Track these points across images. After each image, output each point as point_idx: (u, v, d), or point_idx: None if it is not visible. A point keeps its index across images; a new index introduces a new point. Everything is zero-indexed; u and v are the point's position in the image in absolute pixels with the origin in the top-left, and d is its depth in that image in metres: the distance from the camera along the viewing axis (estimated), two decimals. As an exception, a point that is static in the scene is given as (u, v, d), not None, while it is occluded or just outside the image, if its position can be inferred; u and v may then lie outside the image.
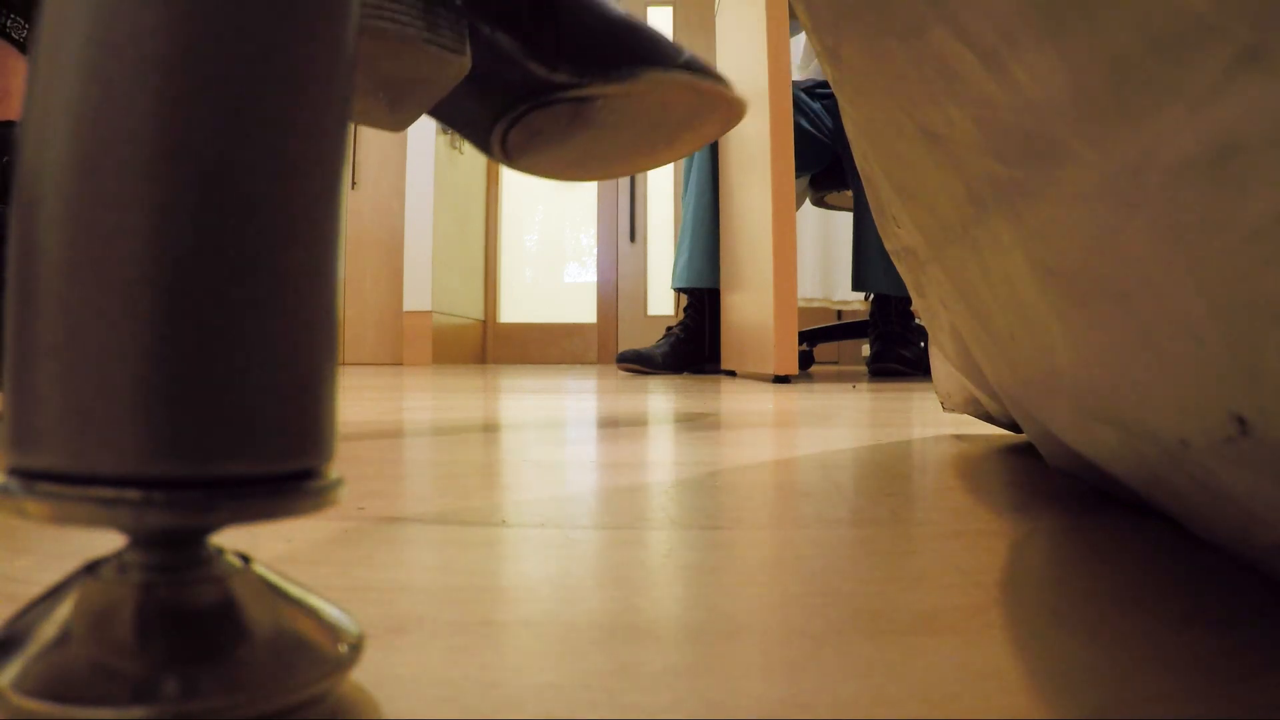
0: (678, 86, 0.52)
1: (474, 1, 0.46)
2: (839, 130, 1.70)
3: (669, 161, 0.63)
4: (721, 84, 0.54)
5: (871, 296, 1.77)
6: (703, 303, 1.84)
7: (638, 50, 0.51)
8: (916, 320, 1.76)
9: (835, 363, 2.94)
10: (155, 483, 0.10)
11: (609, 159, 0.59)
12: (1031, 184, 0.17)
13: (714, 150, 1.80)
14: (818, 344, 2.05)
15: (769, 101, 1.26)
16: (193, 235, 0.10)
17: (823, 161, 1.72)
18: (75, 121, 0.10)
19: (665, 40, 0.53)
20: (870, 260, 1.66)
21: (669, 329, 1.87)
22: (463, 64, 0.44)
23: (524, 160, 0.56)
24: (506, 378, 1.54)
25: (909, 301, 1.72)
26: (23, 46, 0.60)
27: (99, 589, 0.10)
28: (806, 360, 2.01)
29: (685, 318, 1.85)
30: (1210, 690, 0.13)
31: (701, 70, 0.53)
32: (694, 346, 1.82)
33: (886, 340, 1.65)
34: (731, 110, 0.57)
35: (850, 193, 1.84)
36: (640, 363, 1.79)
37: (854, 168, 1.68)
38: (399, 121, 0.49)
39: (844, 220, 2.68)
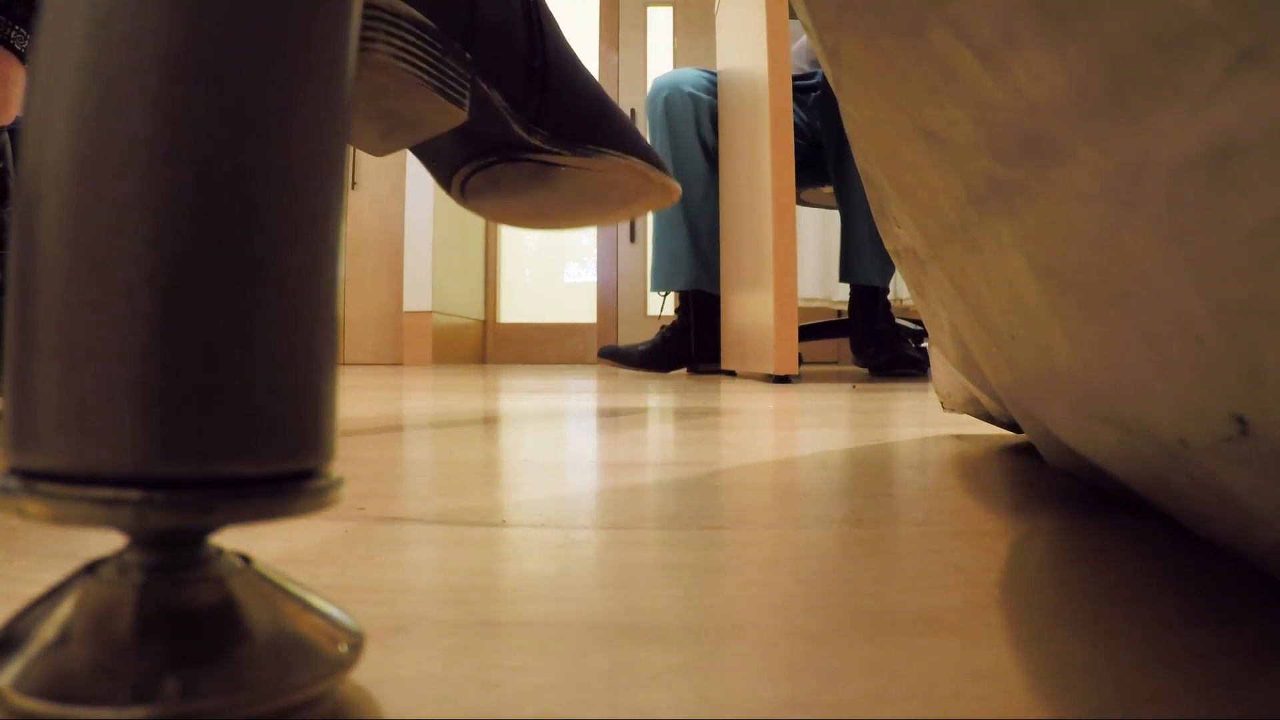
0: (632, 171, 0.59)
1: (479, 60, 0.50)
2: (822, 125, 1.68)
3: (594, 226, 0.70)
4: (666, 175, 0.61)
5: (849, 293, 1.75)
6: (688, 302, 1.83)
7: (607, 132, 0.58)
8: (898, 318, 1.75)
9: (835, 363, 2.94)
10: (155, 483, 0.10)
11: (547, 217, 0.65)
12: (1031, 184, 0.17)
13: (673, 148, 1.79)
14: (803, 342, 2.04)
15: (769, 101, 1.26)
16: (192, 235, 0.10)
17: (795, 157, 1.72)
18: (75, 121, 0.10)
19: (632, 127, 0.61)
20: (860, 249, 1.65)
21: (662, 327, 1.87)
22: (460, 115, 0.47)
23: (475, 202, 0.61)
24: (506, 378, 1.54)
25: (886, 293, 1.70)
26: (24, 57, 0.60)
27: (99, 589, 0.10)
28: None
29: (676, 317, 1.85)
30: (1210, 689, 0.13)
31: (654, 161, 0.61)
32: (681, 346, 1.82)
33: (881, 341, 1.63)
34: (666, 198, 0.64)
35: (829, 189, 1.83)
36: (616, 359, 1.79)
37: (836, 161, 1.67)
38: (385, 149, 0.52)
39: (844, 220, 2.67)
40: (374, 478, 0.34)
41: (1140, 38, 0.13)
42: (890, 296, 2.84)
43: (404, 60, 0.43)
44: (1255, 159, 0.12)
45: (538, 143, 0.54)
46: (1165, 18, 0.12)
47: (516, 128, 0.52)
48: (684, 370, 1.88)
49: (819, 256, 2.90)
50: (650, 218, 1.88)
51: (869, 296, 1.69)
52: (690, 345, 1.82)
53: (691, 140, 1.79)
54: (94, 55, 0.10)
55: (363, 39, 0.42)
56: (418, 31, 0.44)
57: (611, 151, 0.57)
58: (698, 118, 1.78)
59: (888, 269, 1.67)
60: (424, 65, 0.44)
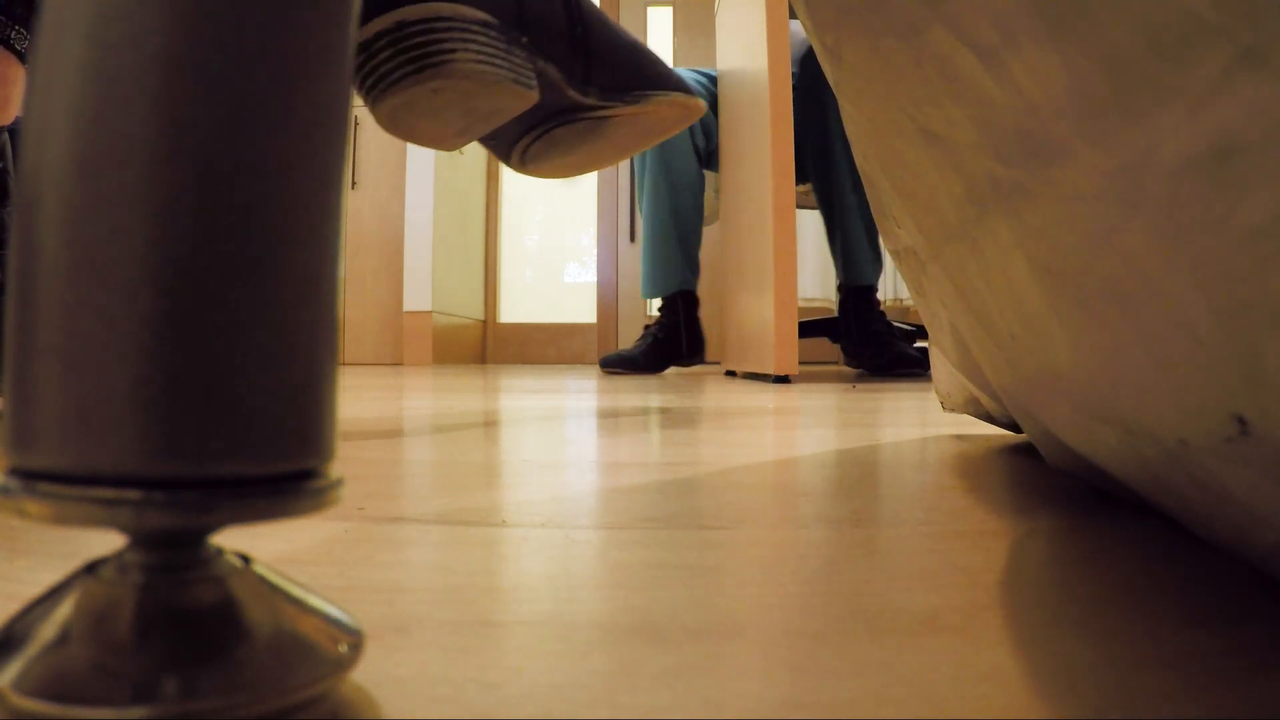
0: (673, 104, 0.63)
1: (532, 41, 0.54)
2: (801, 124, 1.67)
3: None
4: (694, 97, 0.65)
5: (841, 295, 1.74)
6: (676, 303, 1.85)
7: (648, 75, 0.62)
8: (896, 321, 1.74)
9: (835, 363, 2.94)
10: (155, 483, 0.10)
11: (598, 161, 0.70)
12: (1031, 184, 0.17)
13: (661, 155, 1.79)
14: (801, 340, 2.03)
15: (769, 101, 1.26)
16: (192, 235, 0.10)
17: None
18: (75, 121, 0.10)
19: (664, 63, 0.65)
20: (857, 248, 1.64)
21: (646, 327, 1.89)
22: (533, 96, 0.52)
23: (533, 165, 0.66)
24: (506, 378, 1.54)
25: (875, 289, 1.69)
26: (24, 57, 0.60)
27: (99, 589, 0.10)
28: None
29: (662, 317, 1.87)
30: (1211, 689, 0.13)
31: (686, 89, 0.65)
32: (672, 346, 1.84)
33: (879, 342, 1.62)
34: (696, 116, 0.69)
35: (808, 187, 1.82)
36: (624, 365, 1.82)
37: (818, 161, 1.66)
38: (459, 144, 0.56)
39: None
40: (374, 478, 0.34)
41: (1140, 38, 0.13)
42: (890, 297, 2.84)
43: (482, 63, 0.47)
44: (1255, 159, 0.12)
45: (592, 101, 0.58)
46: (1165, 18, 0.12)
47: (571, 93, 0.57)
48: (676, 368, 1.90)
49: (819, 257, 2.90)
50: (641, 227, 1.89)
51: (864, 297, 1.68)
52: (681, 343, 1.84)
53: (685, 143, 1.79)
54: (94, 55, 0.10)
55: (443, 51, 0.46)
56: (485, 30, 0.48)
57: (655, 92, 0.62)
58: None
59: (878, 264, 1.67)
60: (498, 61, 0.48)
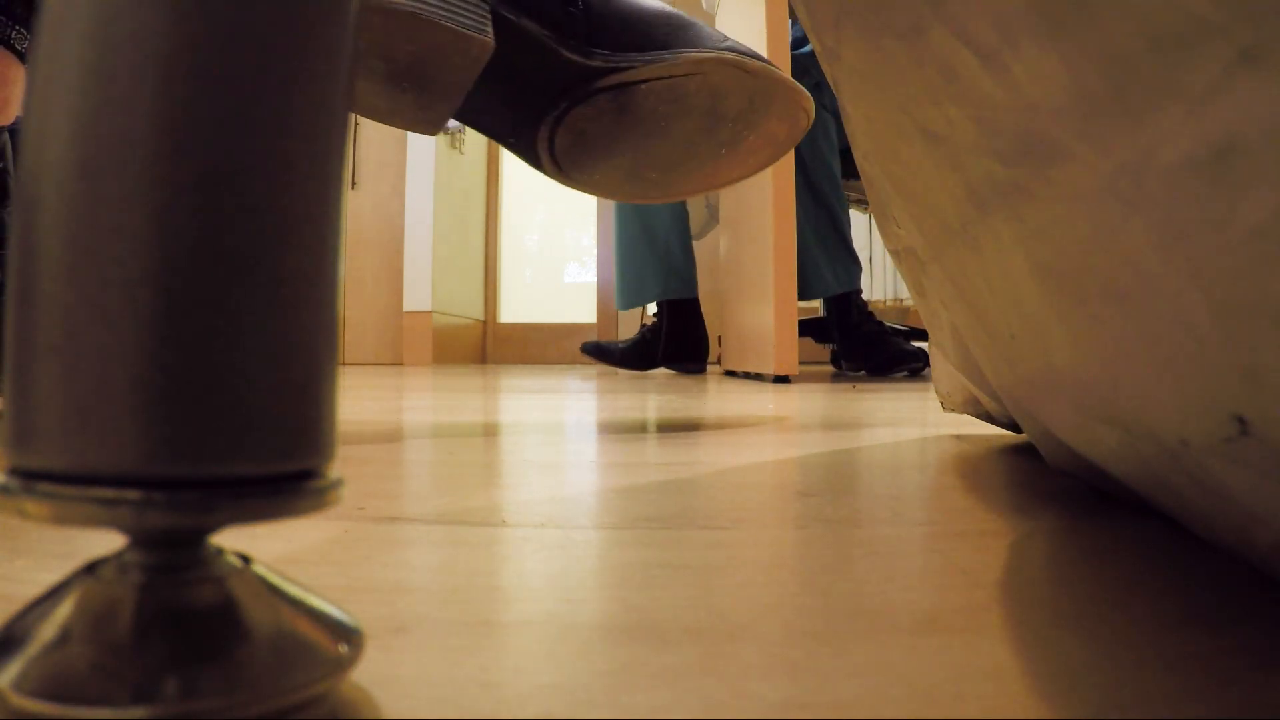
0: (724, 67, 0.48)
1: None
2: None
3: (740, 174, 0.57)
4: (771, 66, 0.50)
5: (822, 305, 1.72)
6: (663, 310, 1.84)
7: (676, 32, 0.49)
8: (896, 323, 1.73)
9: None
10: (155, 483, 0.10)
11: (669, 167, 0.55)
12: (1031, 184, 0.17)
13: None
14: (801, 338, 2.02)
15: (769, 101, 1.26)
16: (193, 235, 0.10)
17: None
18: (75, 121, 0.10)
19: (708, 28, 0.51)
20: (807, 261, 1.60)
21: (642, 326, 1.89)
22: (485, 44, 0.43)
23: (579, 172, 0.54)
24: (506, 378, 1.54)
25: (859, 293, 1.67)
26: (24, 57, 0.60)
27: (99, 589, 0.10)
28: None
29: (654, 319, 1.86)
30: (1210, 689, 0.13)
31: (746, 51, 0.50)
32: (655, 349, 1.83)
33: (873, 342, 1.61)
34: (791, 98, 0.52)
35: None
36: (596, 354, 1.81)
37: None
38: (430, 120, 0.48)
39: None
40: (374, 478, 0.34)
41: (1140, 38, 0.13)
42: (890, 297, 2.84)
43: None
44: (1255, 159, 0.12)
45: (599, 64, 0.47)
46: (1165, 18, 0.12)
47: (569, 55, 0.47)
48: (666, 370, 1.90)
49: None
50: (614, 235, 1.85)
51: (843, 304, 1.65)
52: (669, 348, 1.83)
53: None
54: (94, 55, 0.10)
55: None
56: None
57: (688, 49, 0.48)
58: None
59: (851, 270, 1.63)
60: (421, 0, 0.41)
